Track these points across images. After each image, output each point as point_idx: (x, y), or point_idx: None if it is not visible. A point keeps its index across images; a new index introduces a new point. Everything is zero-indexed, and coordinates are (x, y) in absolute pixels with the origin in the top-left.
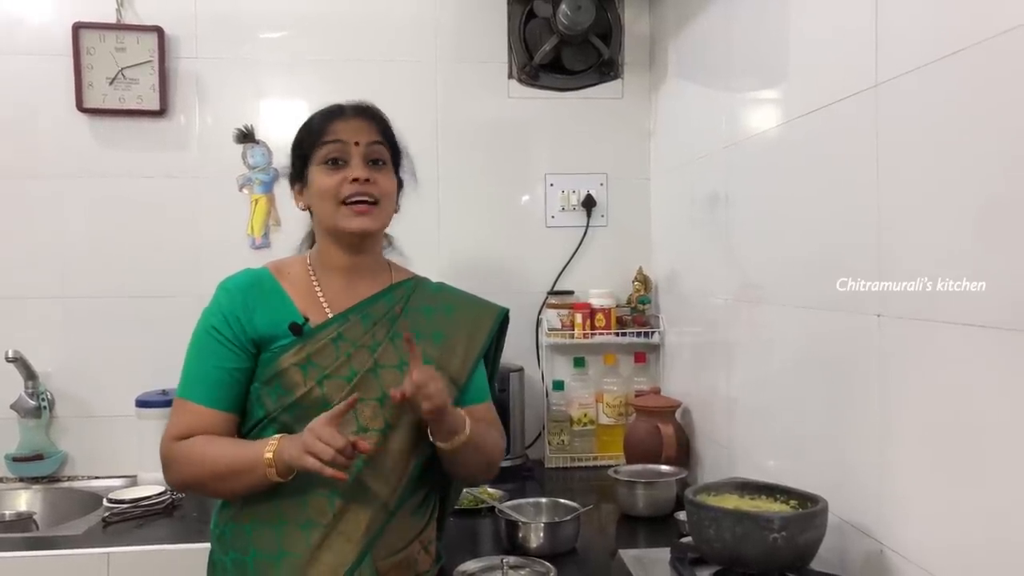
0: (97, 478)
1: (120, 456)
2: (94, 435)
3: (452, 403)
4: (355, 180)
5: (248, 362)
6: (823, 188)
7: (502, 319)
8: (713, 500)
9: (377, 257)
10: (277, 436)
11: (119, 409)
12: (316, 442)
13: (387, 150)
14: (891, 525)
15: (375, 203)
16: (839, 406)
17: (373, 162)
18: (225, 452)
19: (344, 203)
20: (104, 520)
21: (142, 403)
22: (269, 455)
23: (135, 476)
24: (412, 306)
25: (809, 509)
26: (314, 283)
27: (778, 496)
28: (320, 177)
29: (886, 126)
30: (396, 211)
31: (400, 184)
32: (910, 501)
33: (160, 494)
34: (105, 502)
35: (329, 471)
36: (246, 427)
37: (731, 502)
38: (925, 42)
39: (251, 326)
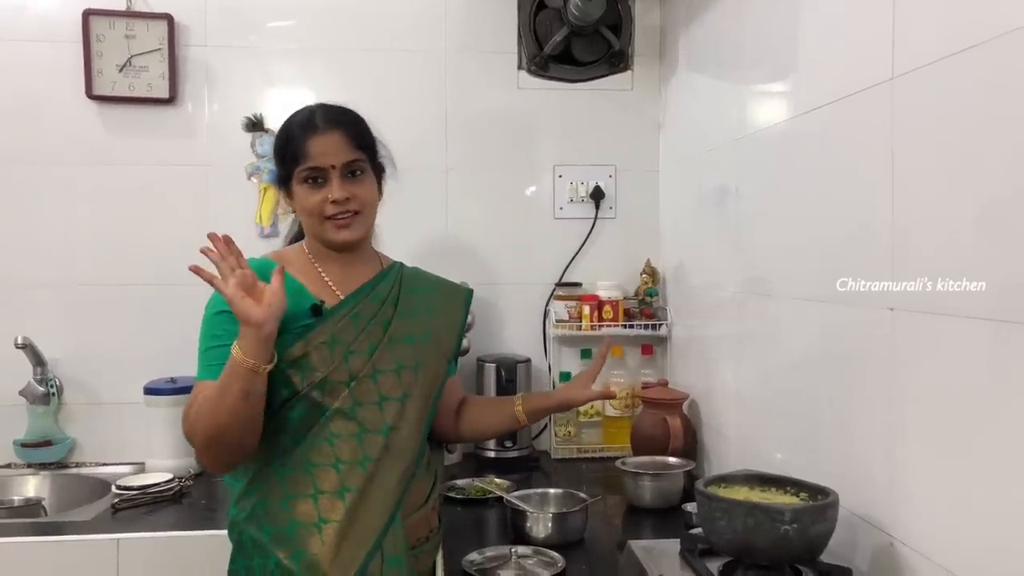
0: (105, 465)
1: (128, 443)
2: (102, 422)
3: (446, 374)
4: (335, 201)
5: None
6: (836, 181)
7: (469, 298)
8: (724, 492)
9: (366, 247)
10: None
11: (127, 396)
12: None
13: (364, 158)
14: (900, 518)
15: (357, 213)
16: (849, 399)
17: (351, 172)
18: (215, 385)
19: (327, 218)
20: (113, 506)
21: (150, 391)
22: (236, 351)
23: (143, 463)
24: (405, 286)
25: (820, 501)
26: (319, 269)
27: (788, 488)
28: (302, 195)
29: (902, 120)
30: (380, 198)
31: (382, 169)
32: (920, 494)
33: (168, 481)
34: (114, 489)
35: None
36: (271, 408)
37: (741, 494)
38: (944, 36)
39: None
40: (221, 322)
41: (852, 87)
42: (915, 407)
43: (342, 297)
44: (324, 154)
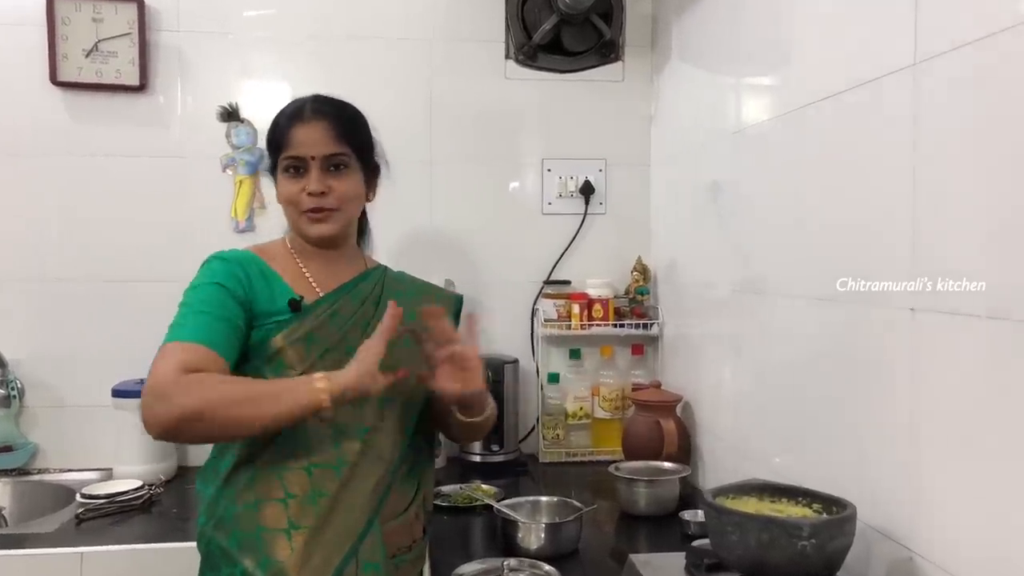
0: (70, 471)
1: (95, 448)
2: (68, 426)
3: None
4: (311, 193)
5: (247, 324)
6: (845, 175)
7: (459, 306)
8: (732, 503)
9: (350, 246)
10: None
11: (94, 399)
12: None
13: (349, 153)
14: (921, 530)
15: (334, 209)
16: (861, 402)
17: (334, 166)
18: (252, 381)
19: (304, 212)
20: (77, 517)
21: (119, 393)
22: (321, 381)
23: (111, 469)
24: (388, 288)
25: (838, 515)
26: (300, 265)
27: (800, 499)
28: (283, 184)
29: (926, 109)
30: (371, 199)
31: (377, 170)
32: (943, 504)
33: (137, 488)
34: (79, 497)
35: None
36: None
37: (751, 505)
38: (967, 20)
39: (249, 297)
40: (218, 295)
41: (861, 78)
42: (937, 412)
43: (321, 294)
44: (304, 144)
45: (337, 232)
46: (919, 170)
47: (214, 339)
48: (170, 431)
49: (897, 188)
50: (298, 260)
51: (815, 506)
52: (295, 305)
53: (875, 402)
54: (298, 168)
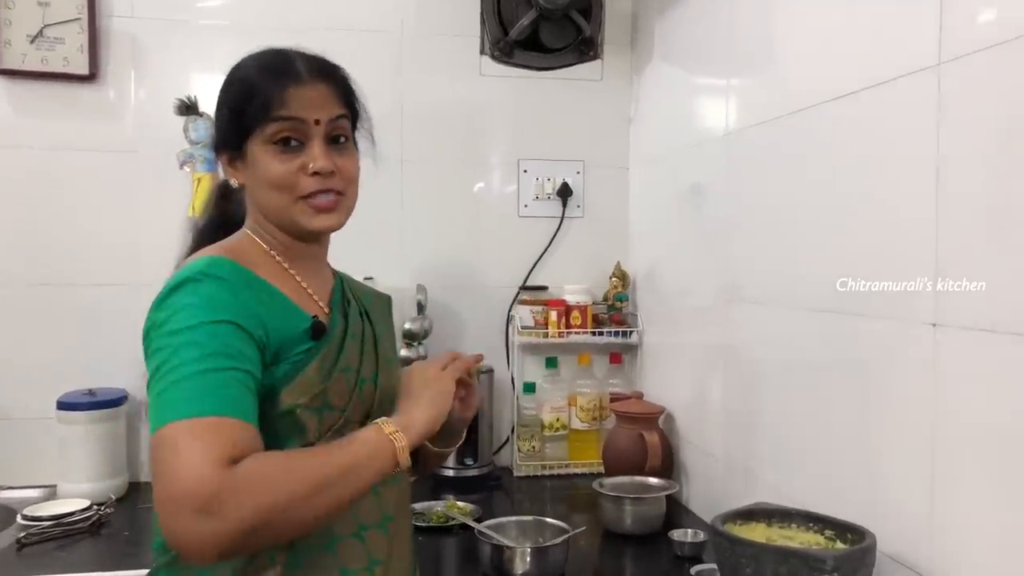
0: (11, 488)
1: (38, 464)
2: (8, 440)
3: None
4: (316, 173)
5: (261, 369)
6: (854, 178)
7: (390, 305)
8: (739, 530)
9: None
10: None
11: (37, 411)
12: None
13: (349, 120)
14: (938, 556)
15: (340, 194)
16: (861, 417)
17: (334, 139)
18: (317, 458)
19: (302, 197)
20: (19, 541)
21: (64, 405)
22: (398, 436)
23: (55, 486)
24: (360, 297)
25: (859, 544)
26: (293, 274)
27: (811, 525)
28: (269, 162)
29: (951, 112)
30: None
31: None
32: (968, 530)
33: (85, 509)
34: (20, 519)
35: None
36: None
37: (760, 532)
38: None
39: (267, 328)
40: (235, 340)
41: (876, 78)
42: (959, 431)
43: (326, 310)
44: (306, 103)
45: (342, 225)
46: (942, 172)
47: (246, 407)
48: (231, 552)
49: (918, 192)
50: (287, 266)
51: (827, 532)
52: (318, 329)
53: (887, 420)
54: (290, 140)
